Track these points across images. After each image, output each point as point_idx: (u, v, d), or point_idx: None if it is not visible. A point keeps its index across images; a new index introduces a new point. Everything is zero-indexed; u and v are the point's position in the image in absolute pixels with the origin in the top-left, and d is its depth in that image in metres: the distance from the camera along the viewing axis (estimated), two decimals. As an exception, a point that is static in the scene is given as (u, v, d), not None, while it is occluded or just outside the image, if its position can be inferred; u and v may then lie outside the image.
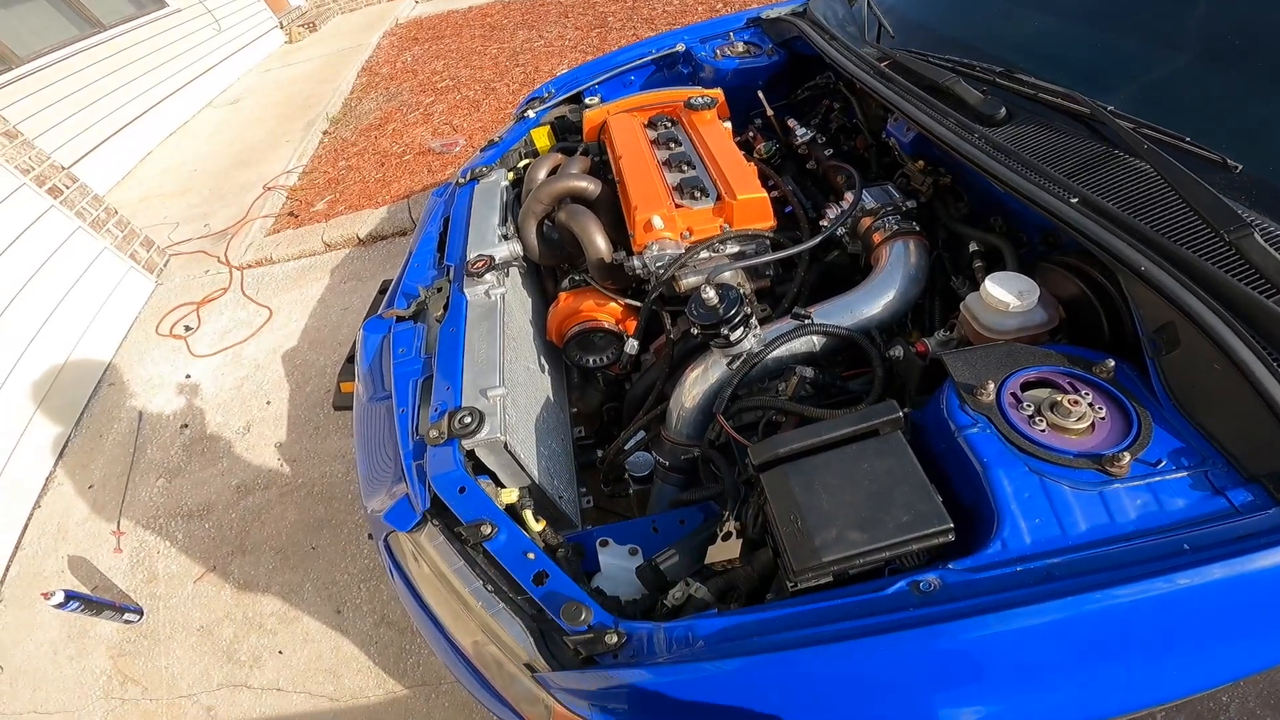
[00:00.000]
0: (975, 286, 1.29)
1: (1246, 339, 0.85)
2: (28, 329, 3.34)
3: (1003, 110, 1.27)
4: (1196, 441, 0.89)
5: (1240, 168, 1.03)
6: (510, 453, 1.32)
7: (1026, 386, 0.99)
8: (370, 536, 2.43)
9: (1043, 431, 0.92)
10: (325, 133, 5.78)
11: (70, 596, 2.24)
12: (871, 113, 1.78)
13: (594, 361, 1.74)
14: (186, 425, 3.17)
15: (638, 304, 1.67)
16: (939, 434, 0.98)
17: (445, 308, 1.61)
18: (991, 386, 0.95)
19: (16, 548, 2.83)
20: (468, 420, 1.27)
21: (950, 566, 0.83)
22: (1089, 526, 0.83)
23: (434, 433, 1.28)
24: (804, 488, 0.94)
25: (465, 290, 1.59)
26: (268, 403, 3.15)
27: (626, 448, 1.58)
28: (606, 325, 1.68)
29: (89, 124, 5.62)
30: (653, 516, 1.35)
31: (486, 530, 1.11)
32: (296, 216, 4.57)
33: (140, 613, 2.44)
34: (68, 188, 3.79)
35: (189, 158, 6.06)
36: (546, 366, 1.79)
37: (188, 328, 3.82)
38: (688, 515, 1.31)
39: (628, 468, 1.60)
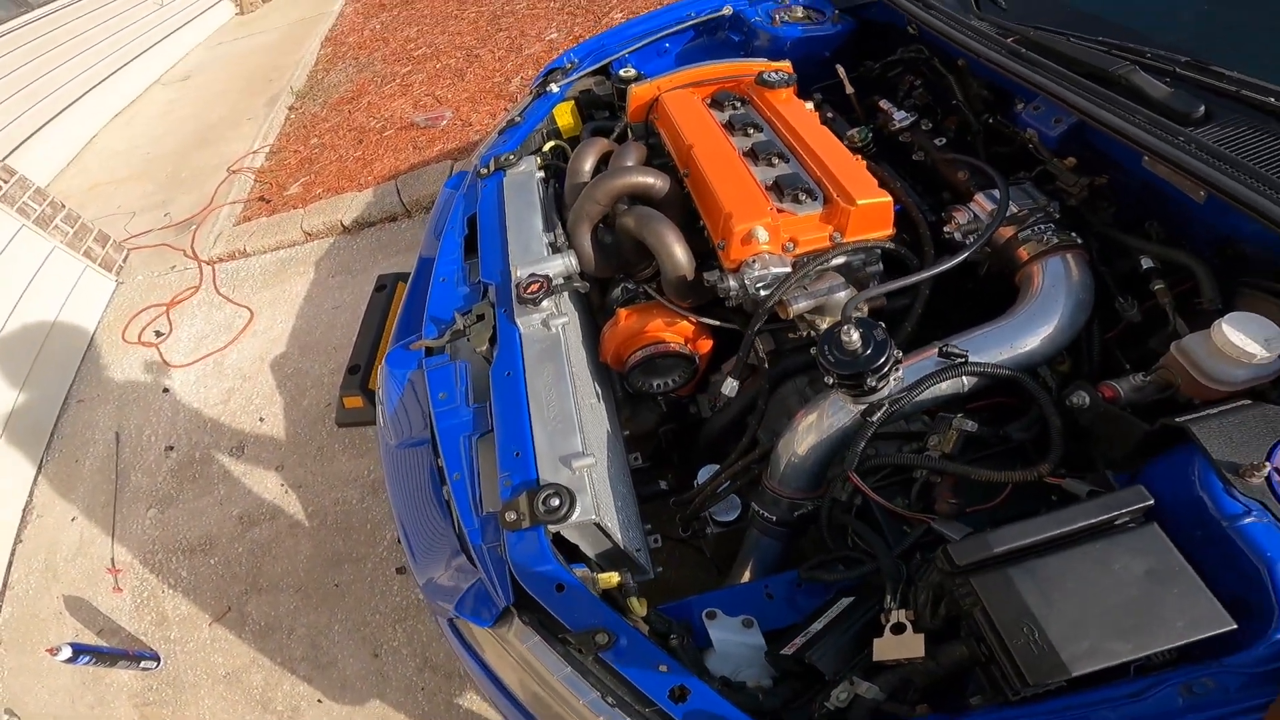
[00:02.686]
0: (1158, 313, 1.09)
1: None
2: (-25, 345, 2.98)
3: (1201, 108, 1.05)
4: None
5: None
6: (600, 528, 1.11)
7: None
8: (400, 570, 2.26)
9: (1323, 518, 0.74)
10: (291, 108, 5.32)
11: (78, 650, 2.06)
12: (973, 93, 1.53)
13: (659, 385, 1.52)
14: (172, 447, 2.88)
15: (713, 322, 1.44)
16: (1191, 519, 0.81)
17: (492, 342, 1.35)
18: (1266, 467, 0.76)
19: (5, 587, 2.59)
20: (556, 503, 1.04)
21: (1225, 663, 0.72)
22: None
23: (511, 515, 1.05)
24: (1039, 596, 0.79)
25: (518, 320, 1.33)
26: (261, 419, 2.87)
27: (719, 491, 1.37)
28: (675, 348, 1.45)
29: (22, 110, 5.09)
30: (764, 580, 1.18)
31: (602, 640, 0.94)
32: (269, 202, 4.18)
33: (157, 659, 2.25)
34: (5, 182, 3.37)
35: (140, 140, 5.54)
36: (599, 393, 1.55)
37: (158, 333, 3.48)
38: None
39: (711, 511, 1.41)
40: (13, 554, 2.69)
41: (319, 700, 2.07)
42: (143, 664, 2.20)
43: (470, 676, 1.15)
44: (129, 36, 6.58)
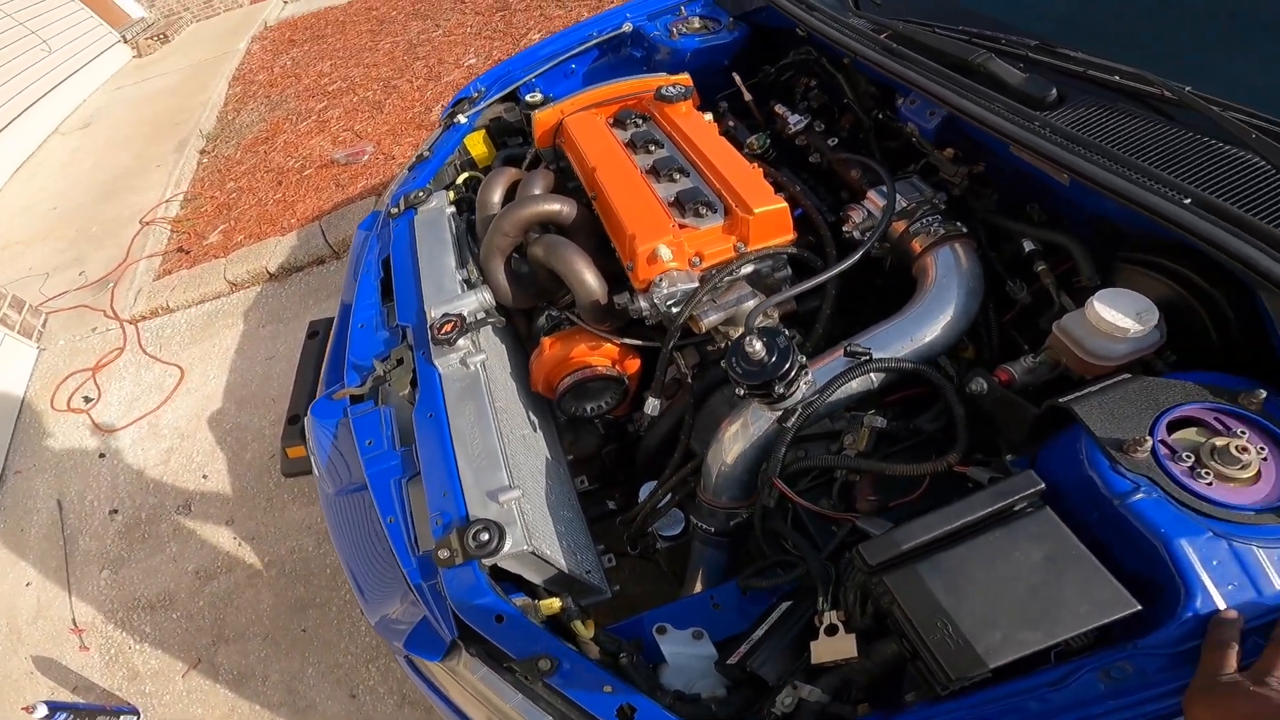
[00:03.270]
0: (1043, 294, 1.15)
1: None
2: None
3: (1053, 91, 1.10)
4: (1371, 471, 0.77)
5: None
6: (537, 555, 1.11)
7: (1170, 428, 0.84)
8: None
9: (1210, 485, 0.78)
10: (203, 151, 5.14)
11: (54, 709, 2.01)
12: (862, 90, 1.58)
13: (593, 409, 1.53)
14: (116, 510, 2.80)
15: (634, 342, 1.45)
16: (1085, 500, 0.83)
17: (413, 384, 1.34)
18: (1148, 441, 0.79)
19: (-31, 654, 2.48)
20: (485, 537, 1.05)
21: (1139, 645, 0.73)
22: (1290, 586, 0.71)
23: (444, 553, 1.06)
24: (947, 589, 0.80)
25: (435, 361, 1.32)
26: (204, 476, 2.79)
27: (657, 508, 1.38)
28: (603, 370, 1.45)
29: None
30: (709, 591, 1.19)
31: (545, 666, 0.96)
32: (188, 253, 4.03)
33: (136, 713, 2.22)
34: (-97, 256, 3.19)
35: (45, 194, 5.28)
36: (536, 422, 1.56)
37: (87, 399, 3.34)
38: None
39: (656, 529, 1.42)
40: None
41: (305, 744, 2.04)
42: (122, 718, 2.18)
43: (437, 709, 1.15)
44: (20, 85, 6.26)
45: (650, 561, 1.54)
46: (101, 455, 3.04)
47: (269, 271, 3.62)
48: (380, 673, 2.13)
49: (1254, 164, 0.90)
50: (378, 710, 2.07)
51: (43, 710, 1.96)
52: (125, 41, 8.09)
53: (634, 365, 1.50)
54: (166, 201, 4.60)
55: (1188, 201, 0.88)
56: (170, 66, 7.32)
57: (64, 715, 2.02)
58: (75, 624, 2.50)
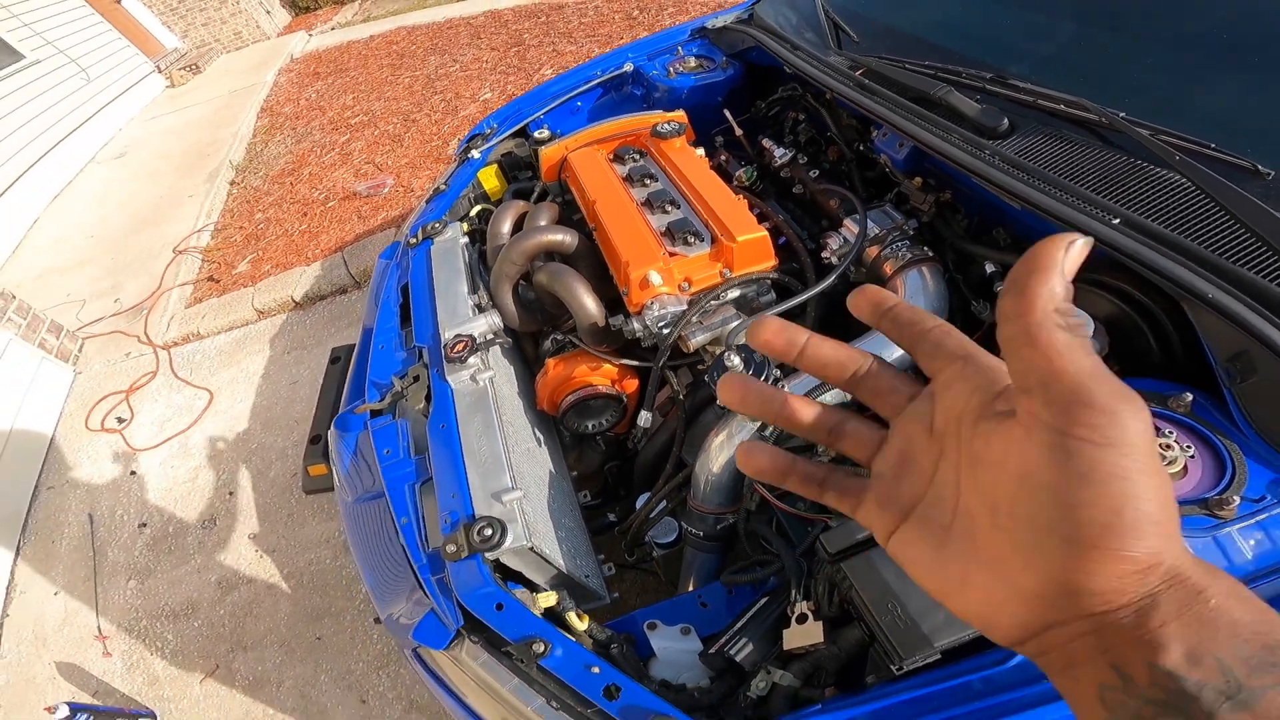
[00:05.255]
0: (1001, 309, 1.24)
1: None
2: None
3: (1005, 121, 1.20)
4: (1292, 471, 0.85)
5: (1272, 174, 0.98)
6: (536, 553, 1.21)
7: (1104, 430, 0.92)
8: (378, 620, 2.31)
9: (1138, 481, 0.86)
10: (232, 183, 5.40)
11: (75, 710, 2.08)
12: (844, 123, 1.70)
13: (594, 426, 1.62)
14: (145, 524, 2.93)
15: (634, 363, 1.56)
16: None
17: (428, 399, 1.46)
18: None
19: (-4, 657, 2.62)
20: (489, 533, 1.14)
21: None
22: (1213, 575, 0.77)
23: (451, 547, 1.15)
24: (897, 574, 0.88)
25: (448, 378, 1.44)
26: (230, 493, 2.92)
27: (651, 516, 1.48)
28: (604, 390, 1.56)
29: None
30: (698, 591, 1.28)
31: (539, 649, 1.03)
32: (218, 281, 4.24)
33: (153, 716, 2.30)
34: (-47, 283, 3.39)
35: (83, 223, 5.57)
36: (542, 438, 1.66)
37: (120, 419, 3.50)
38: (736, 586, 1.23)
39: (651, 536, 1.51)
40: (0, 626, 2.75)
41: (315, 748, 2.12)
42: None
43: (439, 700, 1.21)
44: (59, 114, 6.58)
45: (649, 572, 1.63)
46: (133, 472, 3.19)
47: (294, 300, 3.80)
48: (390, 679, 2.21)
49: (1178, 183, 1.00)
50: (386, 715, 2.14)
51: (64, 711, 2.04)
52: (159, 71, 8.47)
53: (632, 385, 1.60)
54: (198, 231, 4.83)
55: (1116, 221, 0.98)
56: (201, 97, 7.67)
57: (84, 716, 2.10)
58: (100, 631, 2.62)
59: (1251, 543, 0.81)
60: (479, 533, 1.15)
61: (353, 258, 3.84)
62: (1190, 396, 0.92)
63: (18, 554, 2.99)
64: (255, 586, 2.59)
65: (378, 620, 2.32)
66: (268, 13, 10.09)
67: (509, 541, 1.14)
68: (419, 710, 2.12)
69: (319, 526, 2.66)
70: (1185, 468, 0.87)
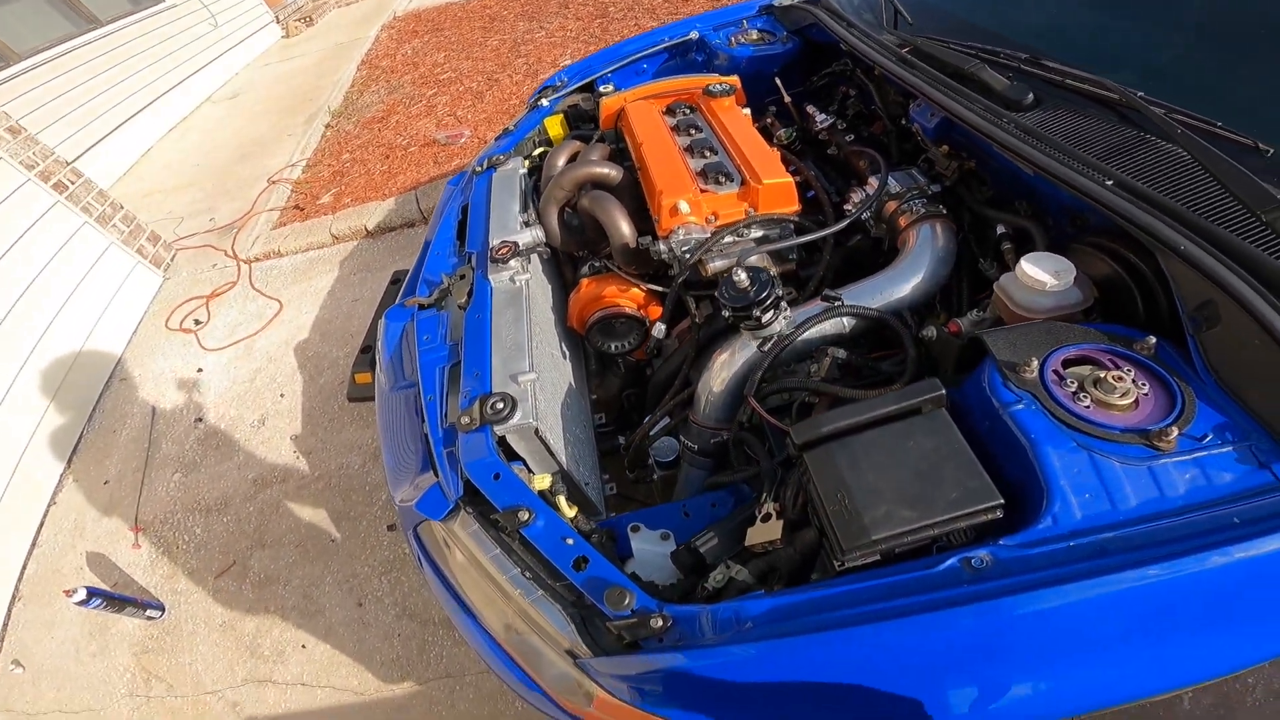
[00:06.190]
0: (1005, 269, 1.30)
1: (1286, 314, 0.84)
2: (37, 325, 3.35)
3: (1030, 96, 1.27)
4: (1240, 417, 0.89)
5: (1271, 151, 1.03)
6: (541, 439, 1.32)
7: (1068, 364, 0.99)
8: (390, 528, 2.45)
9: (1087, 407, 0.92)
10: (327, 126, 5.75)
11: (92, 594, 2.23)
12: (890, 99, 1.77)
13: (617, 347, 1.74)
14: (200, 420, 3.17)
15: (661, 289, 1.66)
16: (981, 412, 0.98)
17: (469, 294, 1.60)
18: (1035, 363, 0.95)
19: (34, 545, 2.84)
20: (500, 406, 1.26)
21: (1002, 543, 0.83)
22: (1139, 501, 0.83)
23: (465, 419, 1.27)
24: (850, 466, 0.95)
25: (490, 276, 1.58)
26: (281, 395, 3.15)
27: (652, 433, 1.58)
28: (629, 311, 1.68)
29: (89, 120, 5.60)
30: (683, 501, 1.36)
31: (524, 516, 1.10)
32: (303, 209, 4.55)
33: (162, 609, 2.44)
34: (72, 183, 3.78)
35: (191, 152, 6.05)
36: (568, 354, 1.79)
37: (197, 322, 3.83)
38: (719, 499, 1.31)
39: (652, 454, 1.61)
40: (45, 515, 2.92)
41: (303, 646, 2.25)
42: (148, 612, 2.39)
43: (426, 582, 1.31)
44: (187, 55, 7.16)
45: (648, 484, 1.72)
46: (199, 370, 3.47)
47: (367, 228, 4.08)
48: (390, 585, 2.31)
49: (1177, 154, 1.05)
50: (378, 619, 2.24)
51: (81, 594, 2.17)
52: (277, 22, 9.04)
53: (657, 313, 1.71)
54: (292, 165, 5.21)
55: (1109, 183, 1.04)
56: (311, 48, 8.16)
57: (98, 600, 2.25)
58: (137, 522, 2.77)
59: (1186, 477, 0.85)
60: (491, 406, 1.26)
61: (424, 197, 4.09)
62: (1154, 340, 0.97)
63: (79, 441, 3.23)
64: (286, 486, 2.74)
65: (391, 528, 2.48)
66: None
67: (517, 417, 1.25)
68: (410, 617, 2.22)
69: (355, 433, 2.85)
70: (1136, 401, 0.93)
